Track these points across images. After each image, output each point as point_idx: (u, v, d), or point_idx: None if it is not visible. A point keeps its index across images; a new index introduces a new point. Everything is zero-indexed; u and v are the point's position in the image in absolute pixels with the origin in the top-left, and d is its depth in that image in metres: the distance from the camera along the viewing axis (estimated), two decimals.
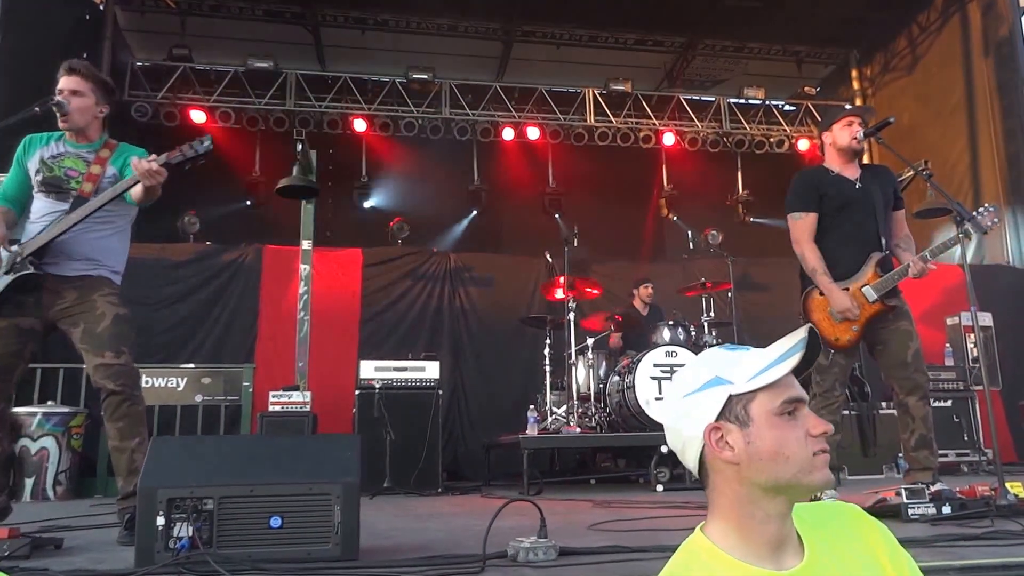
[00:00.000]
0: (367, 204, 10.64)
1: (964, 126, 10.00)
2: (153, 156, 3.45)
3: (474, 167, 10.92)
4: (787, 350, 1.23)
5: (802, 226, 4.06)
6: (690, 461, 1.28)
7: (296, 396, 6.22)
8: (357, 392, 6.30)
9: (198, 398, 6.52)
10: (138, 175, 3.37)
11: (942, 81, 10.40)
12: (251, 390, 6.60)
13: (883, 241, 4.03)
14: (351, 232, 9.77)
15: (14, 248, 3.35)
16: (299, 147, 6.88)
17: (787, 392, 1.22)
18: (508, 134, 10.51)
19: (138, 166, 3.36)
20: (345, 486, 2.70)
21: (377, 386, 6.30)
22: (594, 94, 10.82)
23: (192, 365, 6.70)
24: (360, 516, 2.72)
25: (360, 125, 10.02)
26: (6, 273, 3.31)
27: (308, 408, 6.20)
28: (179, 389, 6.53)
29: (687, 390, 1.27)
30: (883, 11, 10.69)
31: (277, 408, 6.14)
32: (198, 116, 9.63)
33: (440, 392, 6.47)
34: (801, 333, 1.23)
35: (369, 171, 10.51)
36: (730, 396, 1.23)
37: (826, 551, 1.24)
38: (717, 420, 1.23)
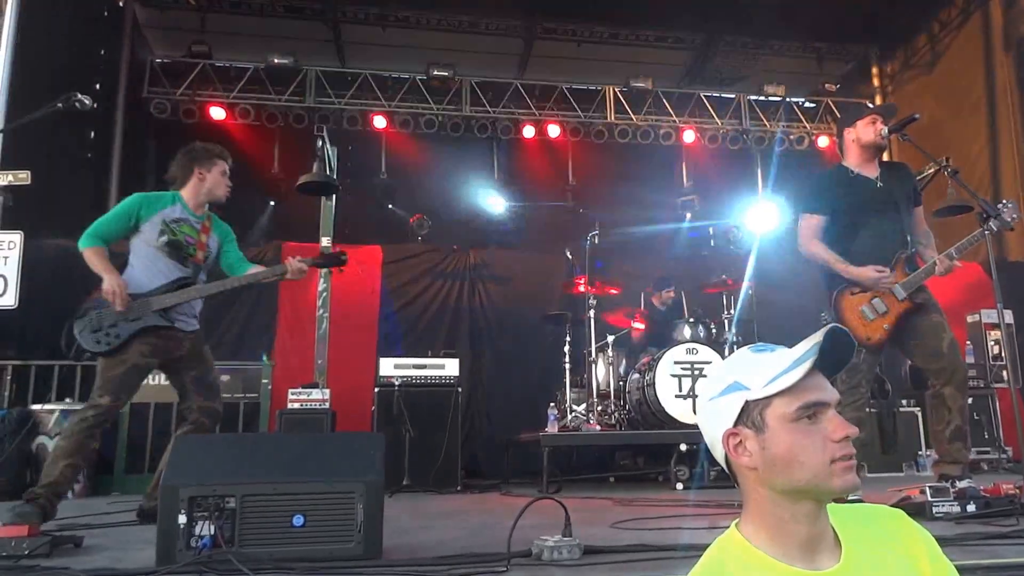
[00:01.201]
0: (387, 201, 10.63)
1: (984, 123, 9.86)
2: (300, 258, 4.18)
3: (494, 164, 10.89)
4: (802, 355, 1.21)
5: (808, 226, 4.05)
6: (720, 461, 1.29)
7: (315, 393, 6.24)
8: (376, 390, 6.33)
9: None
10: (290, 273, 4.14)
11: (962, 78, 10.25)
12: (270, 387, 6.62)
13: (907, 238, 4.01)
14: (371, 229, 9.77)
15: (140, 299, 3.84)
16: (319, 144, 6.89)
17: (806, 396, 1.20)
18: (529, 132, 10.46)
19: (294, 267, 4.13)
20: (368, 484, 2.70)
21: (396, 383, 6.31)
22: (615, 91, 10.75)
23: None
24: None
25: (380, 122, 10.00)
26: (133, 320, 3.79)
27: (327, 406, 6.21)
28: None
29: (711, 394, 1.29)
30: (903, 8, 10.54)
31: (296, 405, 6.15)
32: (218, 113, 9.65)
33: (459, 389, 6.47)
34: (817, 337, 1.21)
35: (389, 168, 10.50)
36: (747, 402, 1.23)
37: (864, 554, 1.22)
38: (735, 426, 1.24)
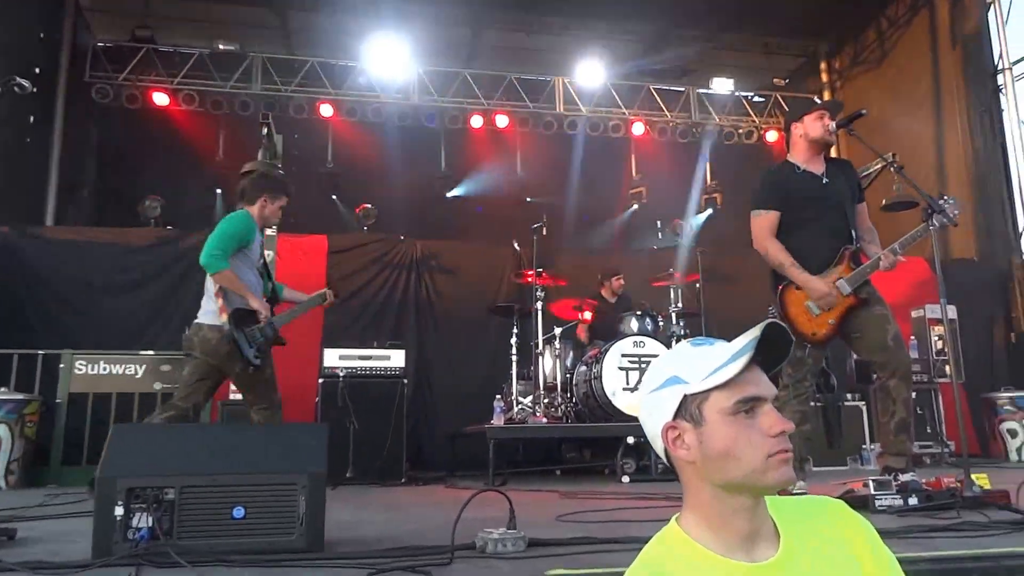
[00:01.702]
0: (333, 191, 10.49)
1: (931, 120, 10.08)
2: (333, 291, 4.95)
3: (442, 154, 10.83)
4: (740, 349, 1.21)
5: (763, 223, 4.05)
6: (660, 454, 1.29)
7: None
8: (320, 381, 6.25)
9: (157, 386, 6.37)
10: (327, 303, 4.92)
11: (909, 74, 10.48)
12: None
13: (852, 234, 4.05)
14: (317, 218, 9.62)
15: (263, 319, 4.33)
16: (264, 131, 6.75)
17: (743, 391, 1.20)
18: (477, 122, 10.42)
19: (330, 299, 4.90)
20: (310, 476, 2.66)
21: (341, 375, 6.23)
22: (564, 83, 10.77)
23: (151, 352, 6.52)
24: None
25: (327, 110, 9.86)
26: (264, 338, 4.32)
27: None
28: (137, 376, 6.37)
29: (650, 387, 1.29)
30: (852, 4, 10.75)
31: (238, 396, 6.01)
32: (161, 99, 9.40)
33: (405, 381, 6.42)
34: (755, 332, 1.21)
35: (335, 157, 10.36)
36: (685, 395, 1.23)
37: (803, 545, 1.23)
38: (674, 419, 1.24)
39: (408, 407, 6.50)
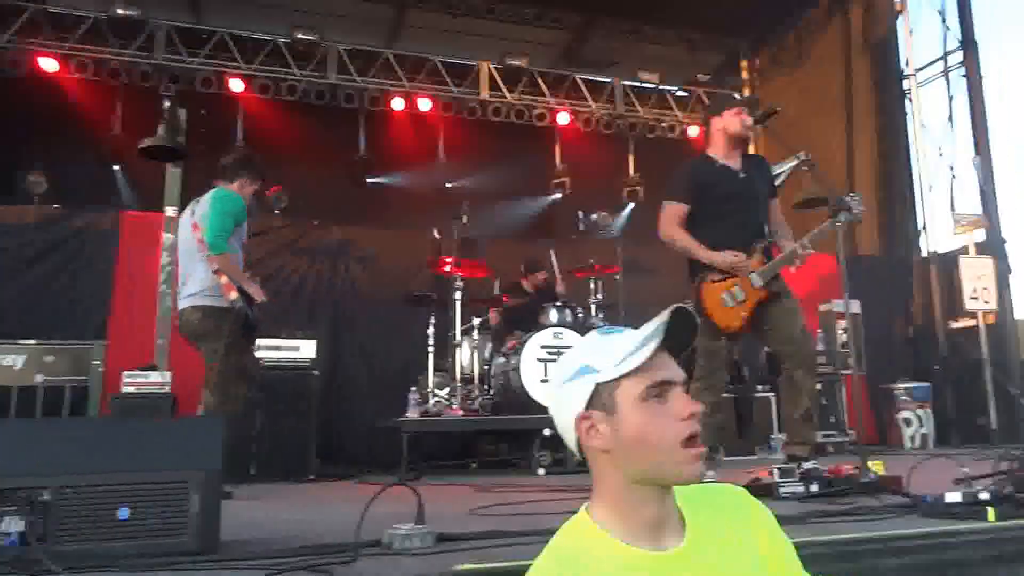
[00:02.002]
0: None
1: (843, 121, 10.40)
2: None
3: (361, 137, 10.53)
4: (648, 334, 1.22)
5: (670, 213, 4.14)
6: (572, 446, 1.29)
7: (154, 376, 5.79)
8: None
9: (39, 378, 5.91)
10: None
11: (824, 77, 10.76)
12: (101, 369, 6.06)
13: (765, 229, 4.16)
14: None
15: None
16: (167, 104, 6.37)
17: (654, 375, 1.22)
18: (398, 104, 10.12)
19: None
20: (203, 473, 2.51)
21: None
22: (489, 68, 10.60)
23: (33, 341, 6.04)
24: (223, 505, 2.56)
25: (237, 85, 9.40)
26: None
27: (167, 389, 5.78)
28: (17, 368, 5.91)
29: (561, 379, 1.29)
30: (772, 5, 10.93)
31: (131, 389, 5.69)
32: (49, 64, 8.69)
33: (316, 373, 6.22)
34: (664, 316, 1.23)
35: (246, 135, 9.92)
36: (597, 384, 1.24)
37: (708, 532, 1.26)
38: (586, 409, 1.24)
39: (319, 400, 6.29)
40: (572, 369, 1.27)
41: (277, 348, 6.13)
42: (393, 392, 6.75)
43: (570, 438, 1.28)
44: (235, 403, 4.42)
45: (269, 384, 5.89)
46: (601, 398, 1.23)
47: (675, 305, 1.25)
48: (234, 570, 2.30)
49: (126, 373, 5.77)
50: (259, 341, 6.06)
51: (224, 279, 4.31)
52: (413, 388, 6.21)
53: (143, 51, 9.13)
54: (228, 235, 4.36)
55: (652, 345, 1.21)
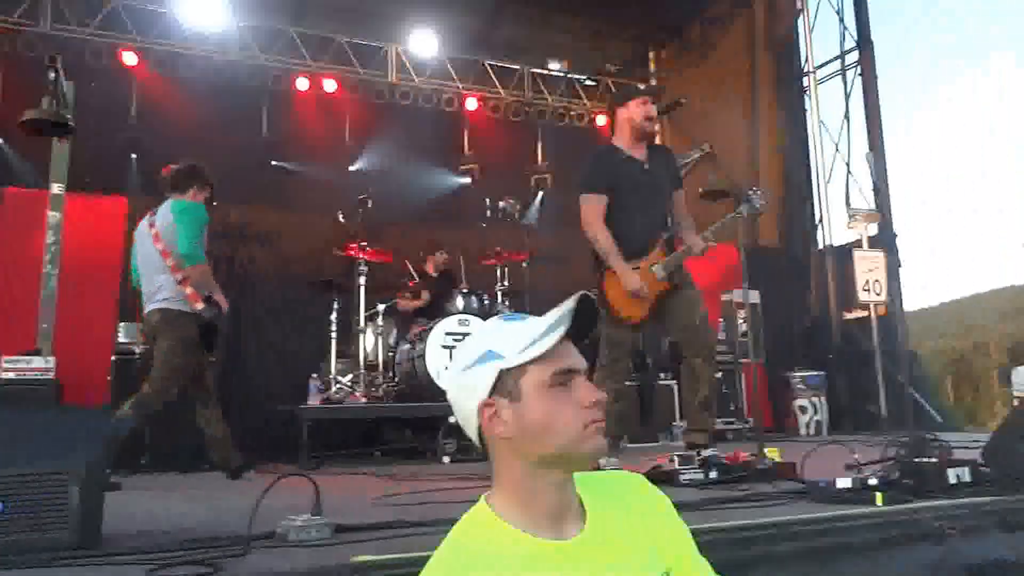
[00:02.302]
0: (134, 150, 9.56)
1: (747, 116, 10.66)
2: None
3: (263, 117, 10.19)
4: (555, 321, 1.21)
5: (593, 208, 4.13)
6: (472, 434, 1.27)
7: (36, 362, 5.52)
8: (114, 358, 5.77)
9: None
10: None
11: (730, 72, 11.00)
12: None
13: (669, 221, 4.23)
14: (116, 179, 8.76)
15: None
16: (51, 76, 5.99)
17: (559, 363, 1.22)
18: (303, 84, 9.86)
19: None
20: (84, 465, 2.42)
21: (137, 351, 5.73)
22: (398, 51, 10.43)
23: None
24: (110, 498, 2.52)
25: (130, 59, 8.96)
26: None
27: (51, 376, 5.50)
28: None
29: (464, 364, 1.27)
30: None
31: (11, 376, 5.40)
32: None
33: (213, 359, 5.93)
34: (570, 303, 1.22)
35: (141, 112, 9.46)
36: (501, 371, 1.22)
37: (607, 520, 1.26)
38: (490, 396, 1.22)
39: (216, 387, 6.04)
40: (475, 355, 1.25)
41: None
42: (294, 379, 6.58)
43: (471, 425, 1.26)
44: (163, 400, 4.51)
45: None
46: (505, 385, 1.22)
47: (580, 292, 1.23)
48: (115, 565, 2.20)
49: (6, 359, 5.48)
50: None
51: (189, 289, 4.48)
52: (315, 375, 6.07)
53: (27, 19, 8.59)
54: (202, 245, 4.56)
55: (559, 332, 1.20)
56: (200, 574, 2.01)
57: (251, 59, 9.59)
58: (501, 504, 1.23)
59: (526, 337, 1.22)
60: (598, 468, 1.39)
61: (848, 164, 9.82)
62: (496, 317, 1.33)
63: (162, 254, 4.55)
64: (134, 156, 9.43)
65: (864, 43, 9.81)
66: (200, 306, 4.50)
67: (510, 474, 1.23)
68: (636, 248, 4.10)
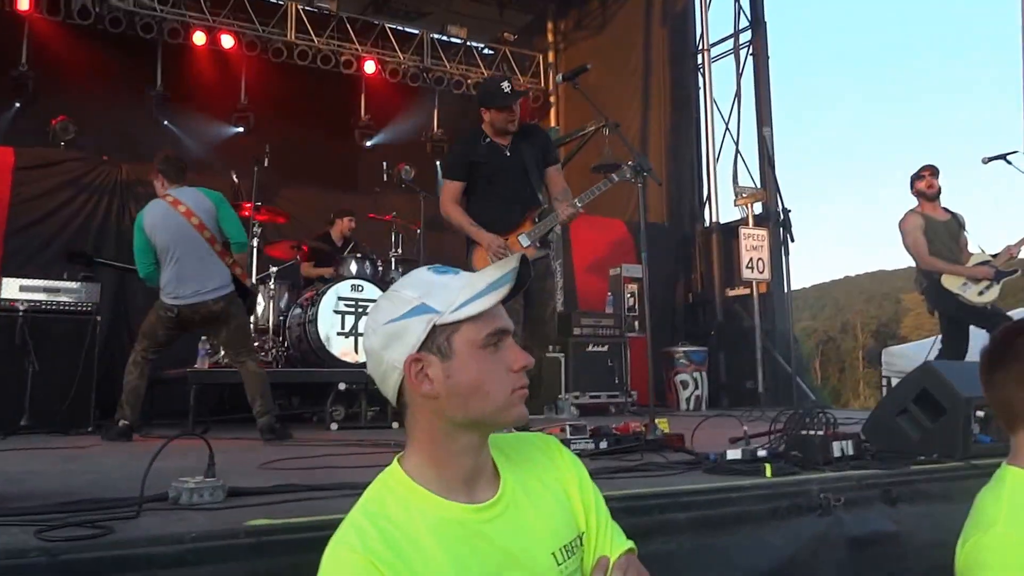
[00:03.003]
0: (23, 98, 9.08)
1: (639, 91, 10.72)
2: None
3: (158, 70, 9.83)
4: (496, 279, 1.19)
5: (448, 191, 4.38)
6: (389, 391, 1.23)
7: None
8: None
9: None
10: None
11: (625, 46, 11.05)
12: None
13: (539, 197, 4.41)
14: (1, 128, 8.35)
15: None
16: None
17: (493, 323, 1.19)
18: (200, 38, 9.57)
19: None
20: None
21: (21, 308, 5.52)
22: (297, 9, 10.21)
23: None
24: None
25: (23, 3, 8.52)
26: None
27: None
28: None
29: (390, 316, 1.20)
30: None
31: None
32: None
33: (99, 319, 5.85)
34: (512, 263, 1.20)
35: (31, 59, 8.99)
36: (435, 326, 1.18)
37: (520, 482, 1.26)
38: (419, 351, 1.18)
39: (102, 348, 5.95)
40: (405, 307, 1.19)
41: (56, 291, 5.71)
42: (183, 342, 6.50)
43: (390, 381, 1.21)
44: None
45: (43, 328, 5.54)
46: (436, 341, 1.17)
47: (519, 252, 1.27)
48: (1, 527, 2.08)
49: None
50: (35, 282, 5.71)
51: (239, 270, 4.96)
52: (204, 338, 6.01)
53: None
54: None
55: (502, 291, 1.17)
56: (91, 535, 1.94)
57: (147, 10, 9.20)
58: (414, 466, 1.21)
59: (463, 294, 1.18)
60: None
61: (737, 143, 10.00)
62: (425, 268, 1.27)
63: (209, 241, 4.83)
64: (17, 104, 8.97)
65: (757, 23, 9.98)
66: (250, 282, 5.16)
67: (427, 435, 1.20)
68: (501, 227, 4.26)
